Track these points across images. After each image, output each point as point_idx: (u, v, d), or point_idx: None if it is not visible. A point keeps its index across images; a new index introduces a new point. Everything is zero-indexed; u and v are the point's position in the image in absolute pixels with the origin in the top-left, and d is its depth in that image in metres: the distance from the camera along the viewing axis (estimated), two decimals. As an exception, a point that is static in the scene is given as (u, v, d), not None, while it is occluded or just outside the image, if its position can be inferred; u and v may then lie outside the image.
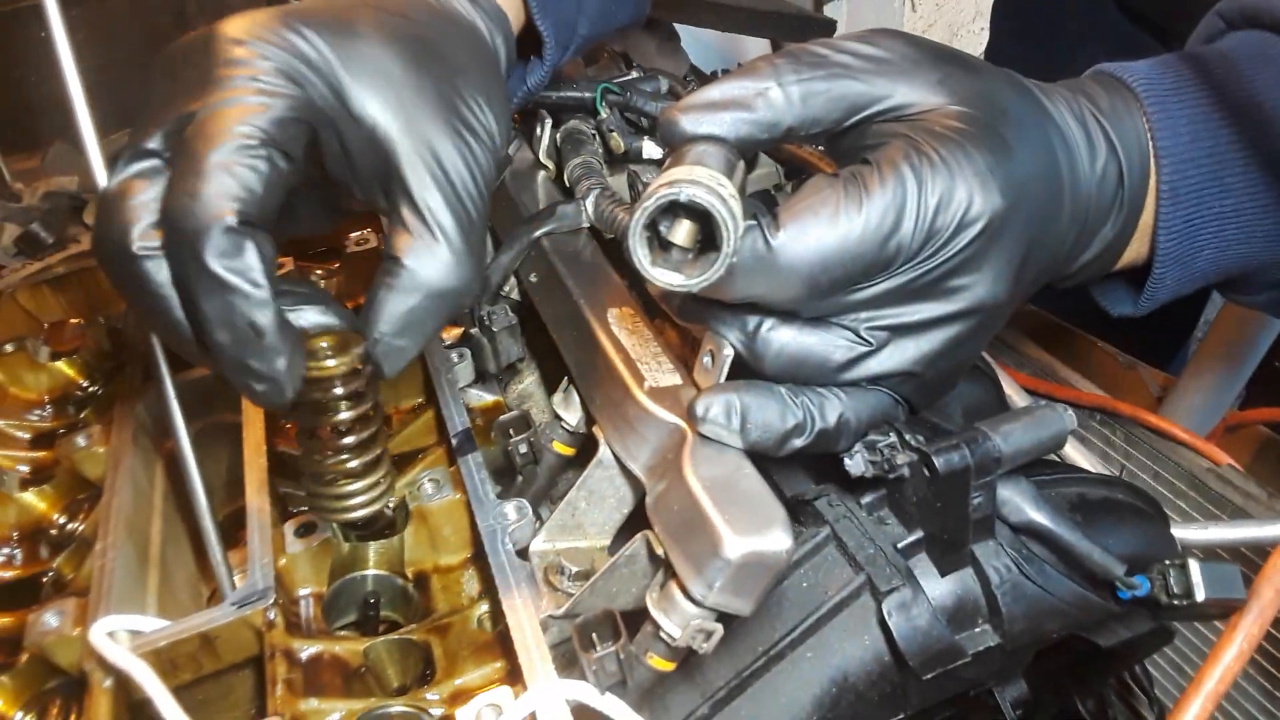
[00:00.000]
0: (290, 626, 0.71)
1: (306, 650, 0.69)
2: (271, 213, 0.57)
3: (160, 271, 0.56)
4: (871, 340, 0.61)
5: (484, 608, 0.73)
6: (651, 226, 0.56)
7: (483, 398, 0.92)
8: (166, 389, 0.73)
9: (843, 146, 0.64)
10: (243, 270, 0.54)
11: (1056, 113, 0.64)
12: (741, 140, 0.61)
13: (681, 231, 0.56)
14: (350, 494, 0.65)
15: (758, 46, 2.32)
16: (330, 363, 0.61)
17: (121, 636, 0.67)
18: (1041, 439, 0.61)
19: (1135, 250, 0.69)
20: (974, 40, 3.54)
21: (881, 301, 0.60)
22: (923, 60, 0.61)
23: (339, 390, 0.63)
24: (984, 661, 0.62)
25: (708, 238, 0.56)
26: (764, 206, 0.60)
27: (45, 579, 0.82)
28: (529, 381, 0.95)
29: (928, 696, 0.64)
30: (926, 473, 0.60)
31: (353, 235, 1.20)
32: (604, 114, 1.01)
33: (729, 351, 0.64)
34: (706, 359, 0.66)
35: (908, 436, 0.61)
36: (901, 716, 0.65)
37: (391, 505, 0.80)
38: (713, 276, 0.55)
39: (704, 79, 1.30)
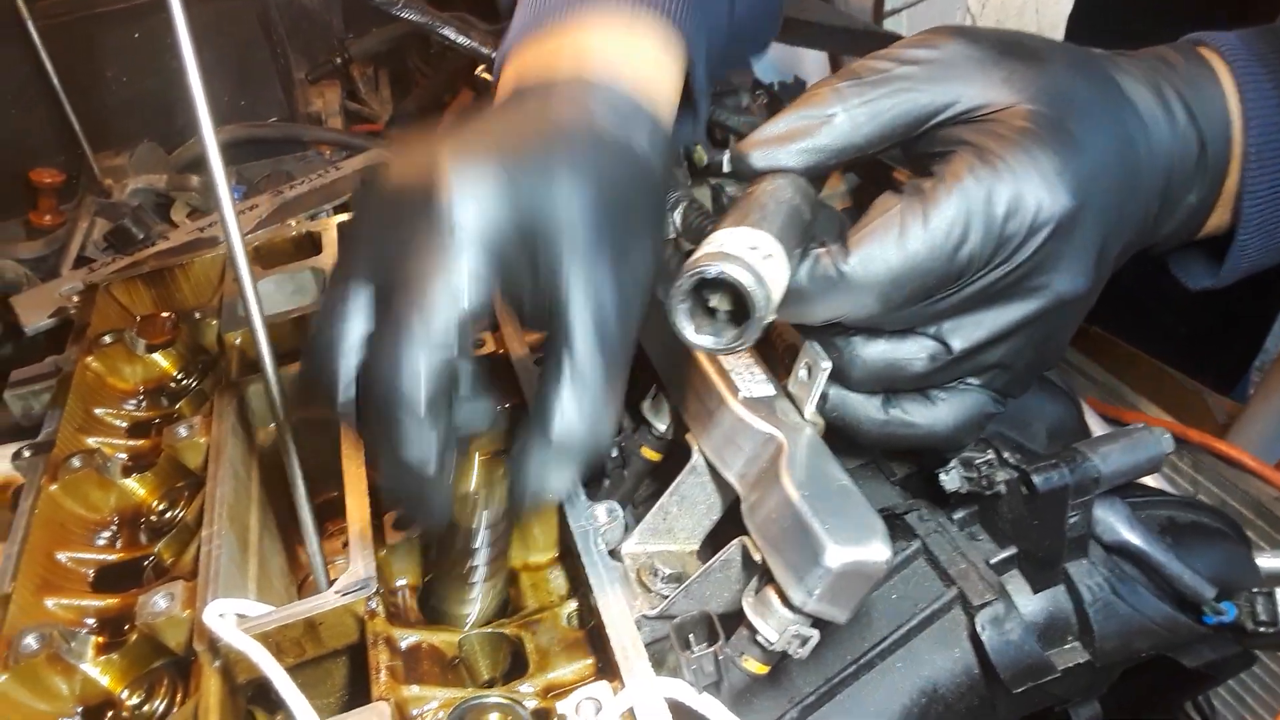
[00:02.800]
0: (390, 616, 0.73)
1: (406, 639, 0.72)
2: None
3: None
4: (956, 345, 0.62)
5: (573, 605, 0.75)
6: (693, 294, 0.59)
7: (564, 402, 0.94)
8: (271, 384, 0.76)
9: (915, 153, 0.66)
10: (423, 447, 0.57)
11: (1130, 87, 0.64)
12: (810, 169, 0.64)
13: (718, 298, 0.59)
14: (470, 600, 0.73)
15: (815, 55, 2.33)
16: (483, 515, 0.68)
17: (230, 619, 0.70)
18: (1139, 461, 0.62)
19: (1218, 218, 0.69)
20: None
21: (962, 308, 0.61)
22: (985, 59, 0.62)
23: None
24: (1073, 678, 0.63)
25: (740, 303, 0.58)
26: (838, 228, 0.63)
27: (146, 564, 0.86)
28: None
29: (1015, 711, 0.65)
30: (1024, 491, 0.61)
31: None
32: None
33: (827, 365, 0.66)
34: (803, 372, 0.68)
35: (1006, 455, 0.62)
36: (988, 729, 0.66)
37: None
38: (748, 340, 0.58)
39: (769, 92, 1.32)
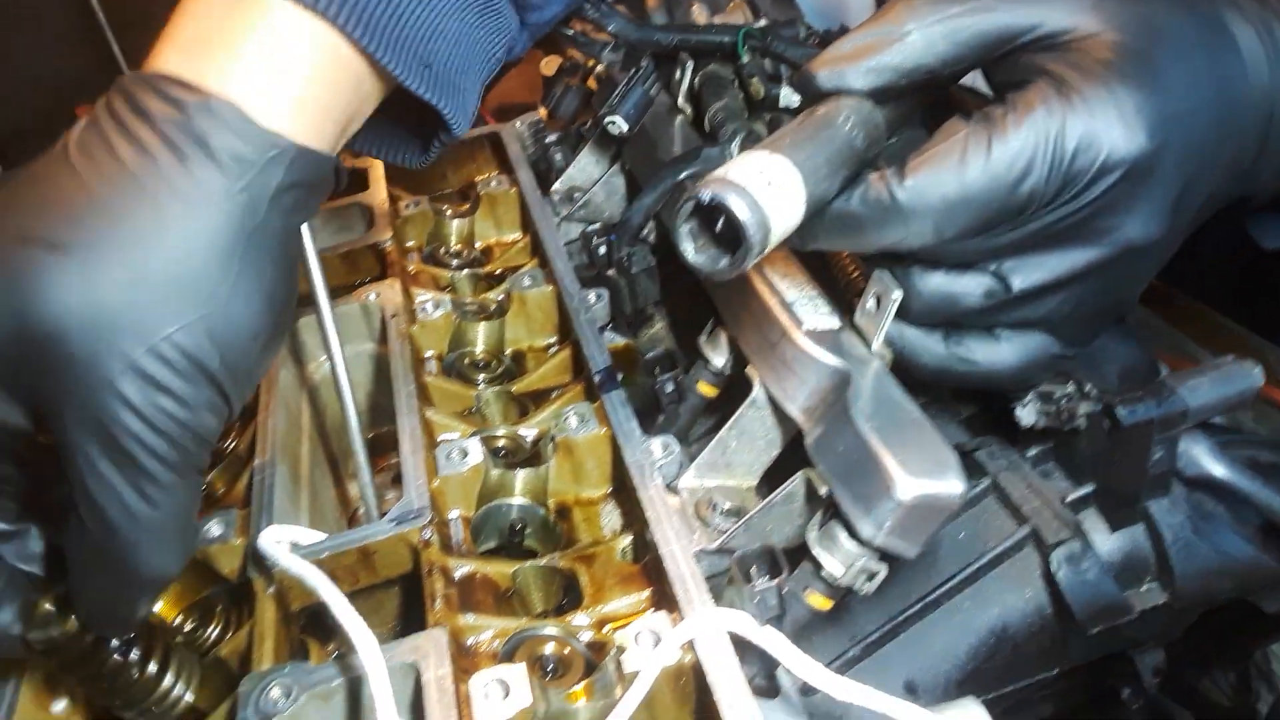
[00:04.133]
0: (443, 546, 0.73)
1: (460, 569, 0.71)
2: None
3: None
4: (1015, 284, 0.59)
5: (627, 540, 0.74)
6: (696, 217, 0.56)
7: (614, 340, 0.92)
8: (325, 318, 0.75)
9: (995, 79, 0.62)
10: None
11: (1235, 23, 0.59)
12: (878, 90, 0.61)
13: (722, 221, 0.56)
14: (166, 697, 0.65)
15: (861, 3, 2.26)
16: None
17: (285, 546, 0.70)
18: (1229, 395, 0.59)
19: None
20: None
21: (1023, 245, 0.58)
22: None
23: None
24: (1149, 620, 0.61)
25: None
26: (905, 150, 0.60)
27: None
28: (661, 325, 0.95)
29: (1086, 653, 0.63)
30: (1107, 424, 0.58)
31: (479, 178, 1.22)
32: (745, 59, 1.00)
33: (898, 295, 0.63)
34: (871, 303, 0.66)
35: (1087, 388, 0.60)
36: (1055, 671, 0.64)
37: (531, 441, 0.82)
38: (741, 266, 0.55)
39: (820, 36, 1.28)
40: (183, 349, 0.51)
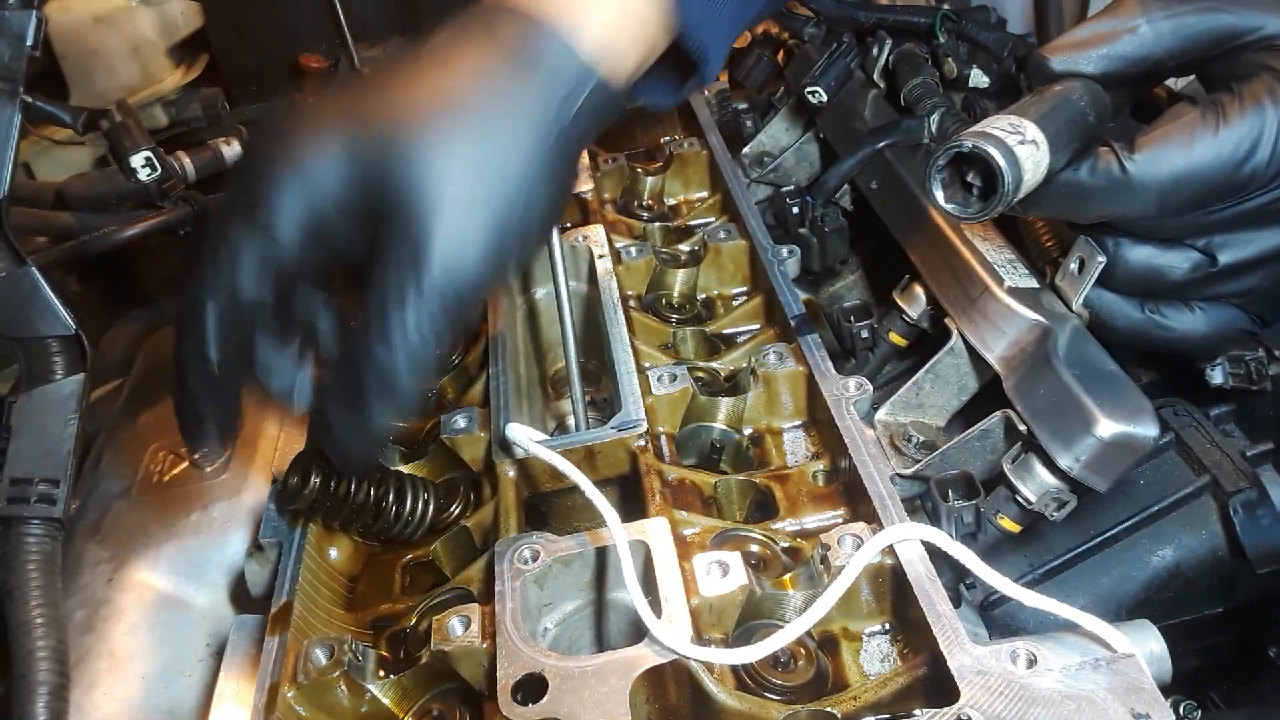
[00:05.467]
0: (655, 454, 0.82)
1: (671, 474, 0.81)
2: None
3: None
4: (1222, 259, 0.65)
5: (818, 466, 0.82)
6: (951, 166, 0.63)
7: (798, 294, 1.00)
8: (555, 247, 0.85)
9: (1211, 75, 0.68)
10: (201, 380, 0.64)
11: None
12: (1108, 75, 0.67)
13: (974, 174, 0.63)
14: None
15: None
16: None
17: (528, 438, 0.80)
18: None
19: None
20: None
21: (1235, 223, 0.64)
22: None
23: None
24: (1317, 570, 0.67)
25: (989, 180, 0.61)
26: (1125, 133, 0.66)
27: (430, 395, 0.98)
28: (845, 281, 1.03)
29: (1250, 593, 0.69)
30: (1294, 386, 0.64)
31: (664, 139, 1.32)
32: (942, 39, 1.06)
33: (1101, 259, 0.70)
34: (1074, 265, 0.72)
35: (1277, 351, 0.65)
36: (1220, 610, 0.70)
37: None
38: (991, 212, 0.62)
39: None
40: (496, 225, 0.62)
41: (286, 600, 0.72)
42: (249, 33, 1.64)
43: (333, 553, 0.80)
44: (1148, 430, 0.63)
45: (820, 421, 0.85)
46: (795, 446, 0.89)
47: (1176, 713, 0.70)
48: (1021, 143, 0.59)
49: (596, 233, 1.06)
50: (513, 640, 0.65)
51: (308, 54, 1.58)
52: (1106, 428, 0.62)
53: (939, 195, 0.63)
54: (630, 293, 1.06)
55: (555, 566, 0.71)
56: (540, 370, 1.05)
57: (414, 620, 0.74)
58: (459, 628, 0.68)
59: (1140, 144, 0.63)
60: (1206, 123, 0.62)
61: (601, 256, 1.03)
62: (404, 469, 0.86)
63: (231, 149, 1.30)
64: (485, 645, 0.66)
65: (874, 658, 0.69)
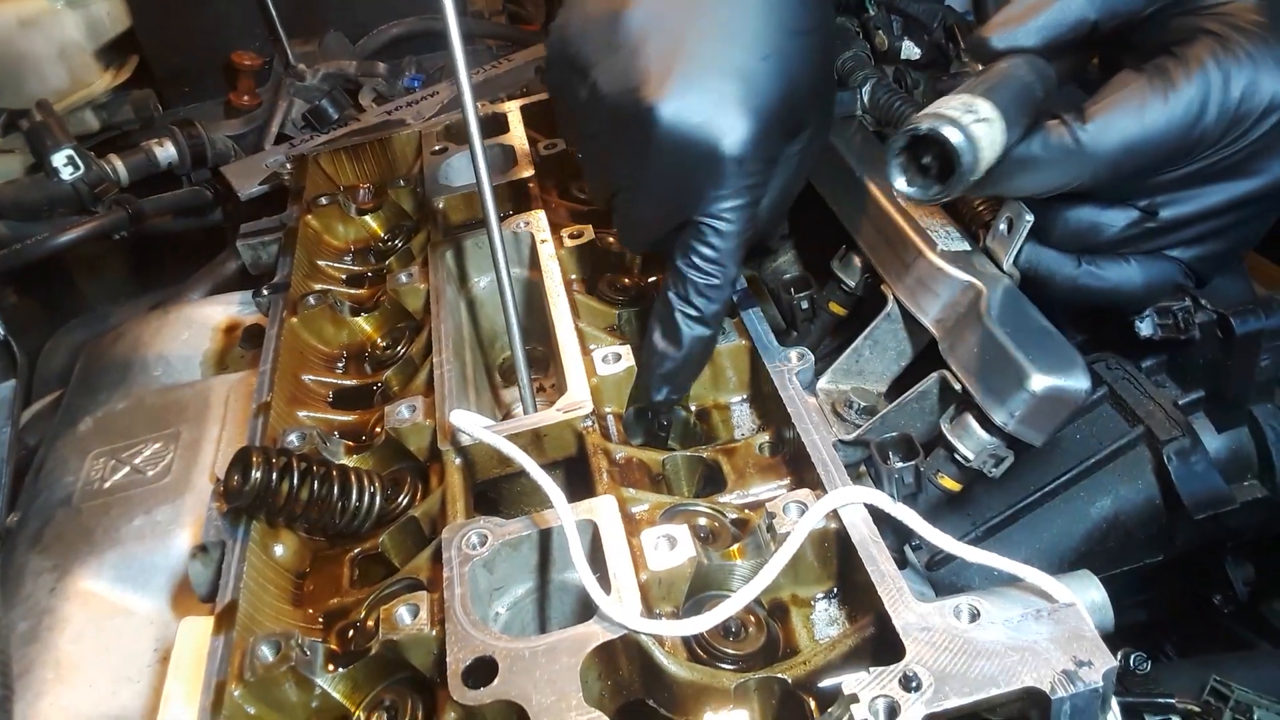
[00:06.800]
0: (602, 434, 0.82)
1: (619, 453, 0.81)
2: None
3: None
4: (1164, 214, 0.66)
5: (764, 437, 0.83)
6: (907, 150, 0.64)
7: (742, 270, 1.01)
8: (496, 239, 0.84)
9: (1145, 40, 0.69)
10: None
11: None
12: (1048, 45, 0.68)
13: (930, 156, 0.64)
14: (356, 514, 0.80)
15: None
16: None
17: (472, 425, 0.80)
18: (1335, 312, 0.65)
19: None
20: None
21: (1181, 184, 0.66)
22: None
23: None
24: (1250, 512, 0.68)
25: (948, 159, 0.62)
26: (1071, 103, 0.67)
27: (376, 388, 0.97)
28: (786, 257, 1.04)
29: (1189, 541, 0.71)
30: (1219, 335, 0.65)
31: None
32: (872, 11, 1.07)
33: (1029, 218, 0.71)
34: (1003, 226, 0.73)
35: (1204, 301, 0.67)
36: (1160, 558, 0.71)
37: None
38: (951, 192, 0.63)
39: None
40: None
41: (231, 599, 0.71)
42: (179, 32, 1.62)
43: (278, 549, 0.79)
44: (1079, 383, 0.64)
45: (765, 394, 0.85)
46: (742, 420, 0.90)
47: (1126, 664, 0.71)
48: (977, 121, 0.59)
49: (538, 218, 1.06)
50: (462, 625, 0.64)
51: (240, 51, 1.55)
52: (1038, 382, 0.63)
53: (899, 181, 0.63)
54: (574, 276, 1.06)
55: (504, 550, 0.71)
56: (488, 360, 1.04)
57: (363, 613, 0.74)
58: (408, 616, 0.67)
59: (1090, 113, 0.64)
60: (1155, 88, 0.63)
61: (544, 241, 1.03)
62: (350, 462, 0.85)
63: (165, 150, 1.27)
64: (434, 632, 0.66)
65: (823, 622, 0.70)
